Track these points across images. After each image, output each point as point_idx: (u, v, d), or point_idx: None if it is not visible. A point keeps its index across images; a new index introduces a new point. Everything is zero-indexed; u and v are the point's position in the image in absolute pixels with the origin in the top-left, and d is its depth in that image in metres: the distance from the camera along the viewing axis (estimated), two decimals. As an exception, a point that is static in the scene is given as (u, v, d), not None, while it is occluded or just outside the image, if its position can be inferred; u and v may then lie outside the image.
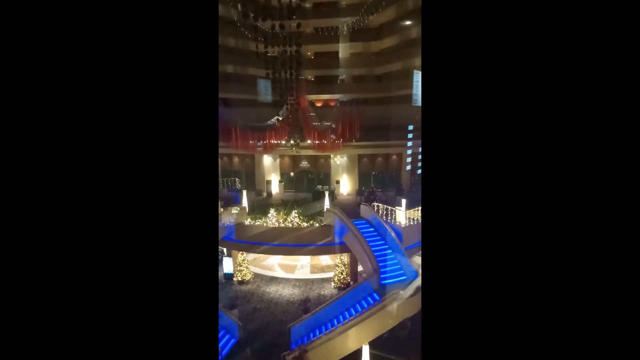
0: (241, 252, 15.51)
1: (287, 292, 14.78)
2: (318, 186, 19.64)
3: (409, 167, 19.85)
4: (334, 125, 17.24)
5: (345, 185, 20.35)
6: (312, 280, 15.69)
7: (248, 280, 15.68)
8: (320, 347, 9.59)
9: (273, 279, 16.07)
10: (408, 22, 19.41)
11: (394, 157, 20.27)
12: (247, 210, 15.13)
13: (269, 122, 17.14)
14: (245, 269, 15.65)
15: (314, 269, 17.02)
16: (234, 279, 15.62)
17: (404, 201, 13.63)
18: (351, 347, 9.63)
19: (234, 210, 14.61)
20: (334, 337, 9.65)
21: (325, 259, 17.86)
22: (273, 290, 15.07)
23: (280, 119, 16.57)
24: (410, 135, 18.69)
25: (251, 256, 16.89)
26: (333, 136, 16.83)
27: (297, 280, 15.88)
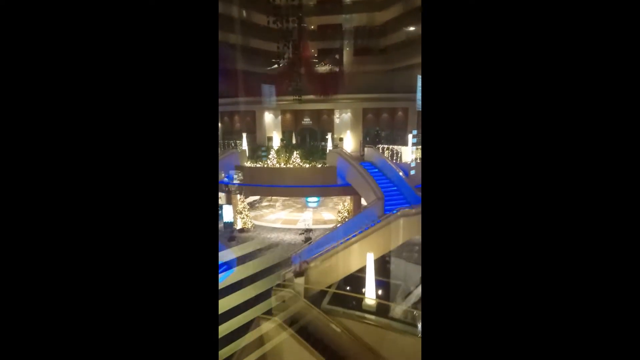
0: (241, 199, 15.02)
1: (288, 237, 14.31)
2: (321, 143, 19.06)
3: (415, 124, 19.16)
4: (337, 56, 16.63)
5: (349, 143, 19.73)
6: (315, 229, 15.18)
7: (248, 228, 15.20)
8: (321, 265, 9.06)
9: (275, 229, 15.62)
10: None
11: (400, 113, 19.61)
12: (247, 154, 14.62)
13: (270, 67, 16.59)
14: (245, 217, 15.17)
15: (317, 222, 16.53)
16: (234, 227, 15.15)
17: (409, 137, 13.02)
18: (354, 264, 9.10)
19: (235, 175, 14.02)
20: (337, 253, 9.11)
21: (327, 215, 17.36)
22: (274, 236, 14.61)
23: (282, 64, 15.99)
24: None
25: (252, 213, 16.45)
26: (336, 68, 16.19)
27: (298, 229, 15.39)
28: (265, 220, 16.87)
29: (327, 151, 14.07)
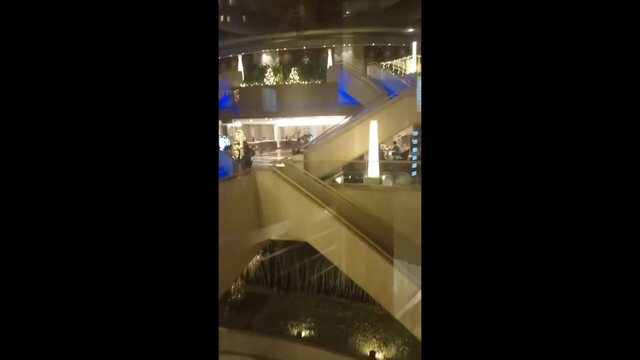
0: (238, 130, 14.44)
1: (288, 163, 13.79)
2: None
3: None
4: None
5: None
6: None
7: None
8: (322, 146, 8.48)
9: (275, 161, 15.15)
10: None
11: (402, 51, 18.85)
12: (243, 77, 14.01)
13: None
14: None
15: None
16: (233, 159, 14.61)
17: (414, 45, 12.34)
18: (357, 148, 8.49)
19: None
20: (338, 135, 8.52)
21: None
22: (274, 159, 14.13)
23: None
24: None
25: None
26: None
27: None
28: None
29: (328, 67, 13.38)
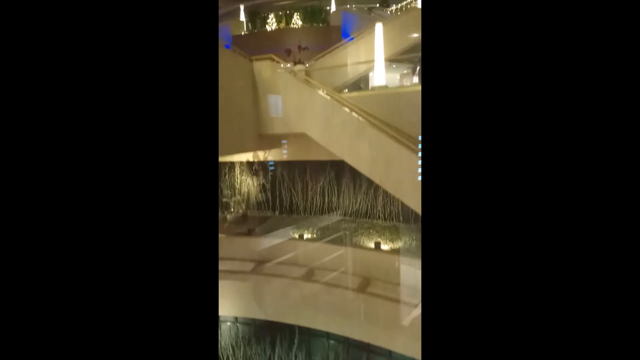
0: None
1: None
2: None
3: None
4: None
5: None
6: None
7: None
8: (325, 59, 8.16)
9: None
10: None
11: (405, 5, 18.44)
12: (244, 26, 13.75)
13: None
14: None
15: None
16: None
17: (420, -15, 11.91)
18: (361, 69, 8.16)
19: None
20: (344, 49, 8.19)
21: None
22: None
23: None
24: None
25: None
26: None
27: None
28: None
29: (331, 11, 13.07)
